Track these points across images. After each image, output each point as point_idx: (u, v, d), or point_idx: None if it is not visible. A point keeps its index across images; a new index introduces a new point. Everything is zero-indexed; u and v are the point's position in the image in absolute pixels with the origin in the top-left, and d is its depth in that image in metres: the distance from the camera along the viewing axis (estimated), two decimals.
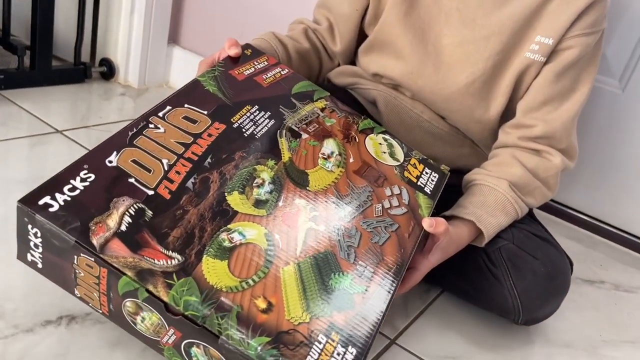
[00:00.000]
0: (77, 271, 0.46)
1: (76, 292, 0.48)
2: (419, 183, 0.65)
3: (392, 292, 0.52)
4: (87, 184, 0.46)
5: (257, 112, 0.61)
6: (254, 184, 0.53)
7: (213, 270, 0.46)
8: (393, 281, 0.52)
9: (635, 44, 0.97)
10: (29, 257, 0.48)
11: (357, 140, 0.66)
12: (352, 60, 0.86)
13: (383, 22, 0.77)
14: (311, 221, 0.53)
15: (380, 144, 0.67)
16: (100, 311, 0.49)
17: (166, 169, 0.50)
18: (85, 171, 0.47)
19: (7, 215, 0.69)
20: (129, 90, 1.23)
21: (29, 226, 0.45)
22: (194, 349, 0.46)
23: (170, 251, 0.46)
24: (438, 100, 0.77)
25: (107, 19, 1.21)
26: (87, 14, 1.17)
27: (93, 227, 0.44)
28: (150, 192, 0.48)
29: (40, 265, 0.48)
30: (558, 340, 0.73)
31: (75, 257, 0.45)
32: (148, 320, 0.46)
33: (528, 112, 0.73)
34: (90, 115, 1.06)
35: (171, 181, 0.49)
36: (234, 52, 0.67)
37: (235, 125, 0.58)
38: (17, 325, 0.55)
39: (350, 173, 0.60)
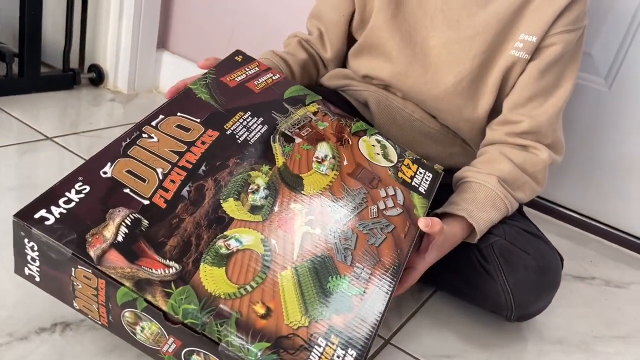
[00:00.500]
0: (75, 283, 0.46)
1: (75, 304, 0.48)
2: (413, 183, 0.66)
3: (390, 292, 0.52)
4: (82, 195, 0.46)
5: (250, 118, 0.62)
6: (249, 190, 0.54)
7: (211, 277, 0.46)
8: (391, 282, 0.53)
9: (620, 43, 0.98)
10: (27, 271, 0.48)
11: (351, 142, 0.66)
12: (343, 64, 0.87)
13: (371, 27, 0.78)
14: (307, 225, 0.53)
15: (373, 145, 0.68)
16: (100, 323, 0.49)
17: (161, 178, 0.50)
18: (80, 183, 0.47)
19: None
20: (119, 96, 1.23)
21: (26, 240, 0.45)
22: (195, 357, 0.46)
23: (167, 260, 0.46)
24: (427, 99, 0.78)
25: (96, 25, 1.21)
26: (75, 20, 1.16)
27: (89, 239, 0.45)
28: (146, 202, 0.48)
29: (38, 279, 0.48)
30: (550, 336, 0.74)
31: (73, 269, 0.45)
32: (147, 329, 0.46)
33: (514, 108, 0.74)
34: (80, 121, 1.06)
35: (166, 190, 0.50)
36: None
37: (228, 132, 0.58)
38: (12, 333, 0.55)
39: (345, 176, 0.61)
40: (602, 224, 1.07)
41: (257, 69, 0.70)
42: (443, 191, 0.72)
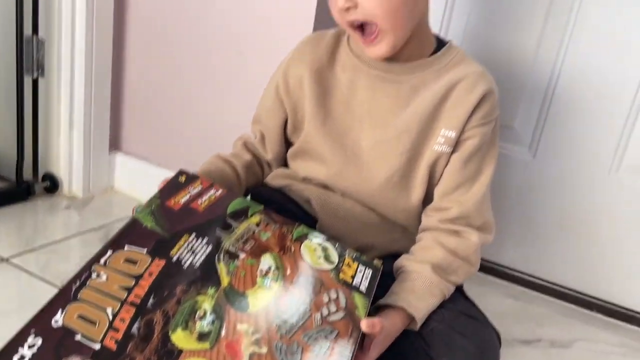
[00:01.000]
0: None
1: None
2: (354, 283, 0.70)
3: None
4: (35, 350, 0.49)
5: (195, 239, 0.65)
6: (196, 317, 0.57)
7: None
8: None
9: (537, 114, 1.08)
10: None
11: (293, 249, 0.71)
12: (285, 163, 0.93)
13: (305, 133, 0.84)
14: (254, 345, 0.57)
15: (314, 249, 0.72)
16: None
17: (111, 318, 0.53)
18: (33, 336, 0.50)
19: None
20: (74, 201, 1.26)
21: None
22: None
23: None
24: (364, 196, 0.84)
25: (47, 134, 1.25)
26: (27, 133, 1.20)
27: None
28: (97, 347, 0.51)
29: None
30: None
31: None
32: None
33: (444, 196, 0.81)
34: (37, 236, 1.08)
35: (116, 330, 0.53)
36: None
37: (174, 259, 0.62)
38: None
39: (289, 286, 0.65)
40: (544, 280, 1.14)
41: (200, 187, 0.74)
42: (387, 279, 0.77)
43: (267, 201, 0.85)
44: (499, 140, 0.82)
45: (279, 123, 0.88)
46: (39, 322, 0.51)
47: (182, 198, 0.71)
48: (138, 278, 0.58)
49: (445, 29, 1.10)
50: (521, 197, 1.12)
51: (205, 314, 0.58)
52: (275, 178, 0.91)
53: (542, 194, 1.10)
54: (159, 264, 0.61)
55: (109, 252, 0.60)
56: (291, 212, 0.85)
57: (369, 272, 0.73)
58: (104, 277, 0.57)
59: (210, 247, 0.65)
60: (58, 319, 0.52)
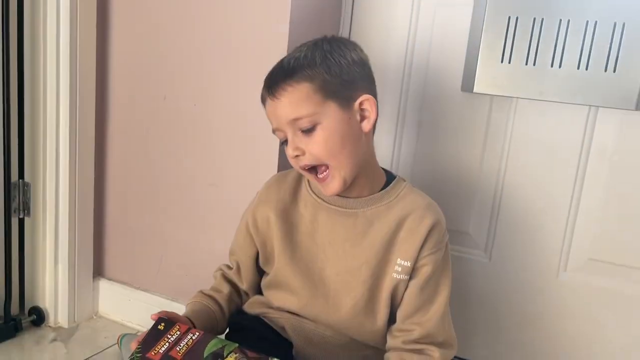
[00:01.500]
0: None
1: None
2: None
3: None
4: None
5: None
6: None
7: None
8: None
9: (489, 220, 1.18)
10: None
11: None
12: (260, 290, 1.01)
13: (276, 268, 0.93)
14: None
15: None
16: None
17: None
18: None
19: None
20: (60, 332, 1.30)
21: None
22: None
23: None
24: (333, 322, 0.91)
25: (33, 270, 1.31)
26: (14, 271, 1.26)
27: None
28: None
29: None
30: None
31: None
32: None
33: (405, 319, 0.88)
34: None
35: None
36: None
37: None
38: None
39: None
40: None
41: (178, 332, 0.80)
42: None
43: (246, 329, 0.93)
44: (450, 258, 0.91)
45: (252, 256, 0.97)
46: None
47: (162, 347, 0.77)
48: None
49: (397, 154, 1.22)
50: (483, 297, 1.20)
51: None
52: (252, 305, 0.99)
53: (501, 294, 1.18)
54: None
55: None
56: (268, 339, 0.93)
57: None
58: None
59: None
60: None
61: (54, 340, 1.26)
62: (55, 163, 1.25)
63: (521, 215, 1.15)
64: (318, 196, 0.92)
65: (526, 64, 1.02)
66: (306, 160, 0.85)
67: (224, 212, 1.21)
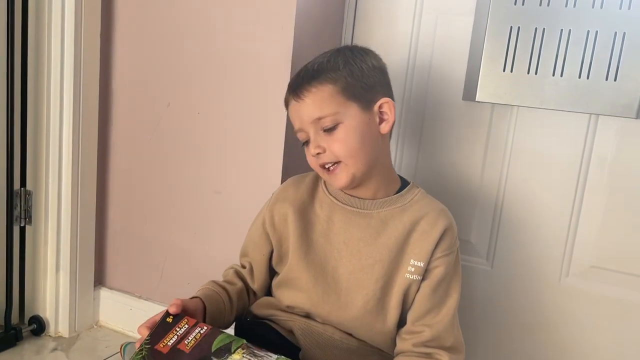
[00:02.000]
0: None
1: None
2: None
3: None
4: None
5: None
6: None
7: None
8: None
9: (490, 229, 1.19)
10: None
11: None
12: (269, 291, 1.01)
13: (289, 264, 0.94)
14: None
15: None
16: None
17: None
18: None
19: None
20: (61, 341, 1.29)
21: None
22: None
23: None
24: (343, 321, 0.91)
25: (34, 279, 1.31)
26: (15, 279, 1.25)
27: None
28: None
29: None
30: None
31: None
32: None
33: (416, 320, 0.89)
34: None
35: None
36: (173, 310, 0.82)
37: None
38: None
39: None
40: None
41: (186, 326, 0.81)
42: None
43: (253, 333, 0.93)
44: (460, 260, 0.92)
45: (266, 254, 0.98)
46: None
47: (170, 340, 0.78)
48: None
49: (399, 162, 1.23)
50: (486, 305, 1.20)
51: None
52: (260, 307, 0.99)
53: (504, 300, 1.19)
54: None
55: None
56: (275, 343, 0.92)
57: None
58: None
59: None
60: None
61: (55, 349, 1.25)
62: (57, 171, 1.25)
63: (523, 222, 1.16)
64: (334, 197, 0.94)
65: (528, 73, 1.03)
66: (326, 158, 0.88)
67: (228, 220, 1.21)
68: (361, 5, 1.22)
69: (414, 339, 0.88)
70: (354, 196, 0.93)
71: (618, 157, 1.07)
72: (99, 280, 1.39)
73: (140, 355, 0.74)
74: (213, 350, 0.78)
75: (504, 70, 1.05)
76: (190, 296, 0.92)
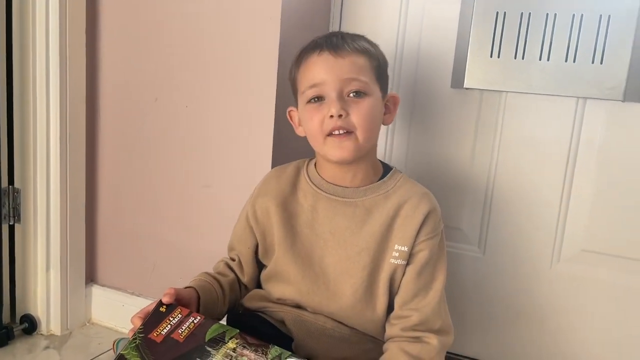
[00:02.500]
0: None
1: None
2: None
3: None
4: None
5: None
6: None
7: None
8: None
9: (481, 216, 1.19)
10: None
11: None
12: (259, 284, 1.01)
13: (275, 257, 0.93)
14: None
15: None
16: None
17: None
18: None
19: None
20: (53, 339, 1.28)
21: None
22: None
23: None
24: (334, 311, 0.91)
25: (24, 277, 1.29)
26: (5, 278, 1.24)
27: None
28: None
29: None
30: None
31: None
32: None
33: (403, 305, 0.89)
34: None
35: None
36: (167, 299, 0.82)
37: None
38: None
39: None
40: None
41: (180, 315, 0.81)
42: None
43: (245, 326, 0.92)
44: (446, 247, 0.93)
45: (251, 247, 0.98)
46: None
47: (164, 329, 0.77)
48: None
49: (390, 152, 1.23)
50: (477, 291, 1.20)
51: None
52: (251, 299, 0.99)
53: (496, 287, 1.19)
54: None
55: None
56: (268, 334, 0.92)
57: None
58: None
59: None
60: None
61: (47, 347, 1.25)
62: (45, 168, 1.24)
63: (513, 209, 1.17)
64: (318, 187, 0.94)
65: (515, 58, 1.03)
66: (343, 123, 0.87)
67: (219, 213, 1.20)
68: None
69: (402, 323, 0.88)
70: (337, 185, 0.93)
71: (606, 141, 1.08)
72: (91, 277, 1.38)
73: (134, 344, 0.73)
74: (207, 339, 0.78)
75: (491, 56, 1.05)
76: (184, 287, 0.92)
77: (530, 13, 1.01)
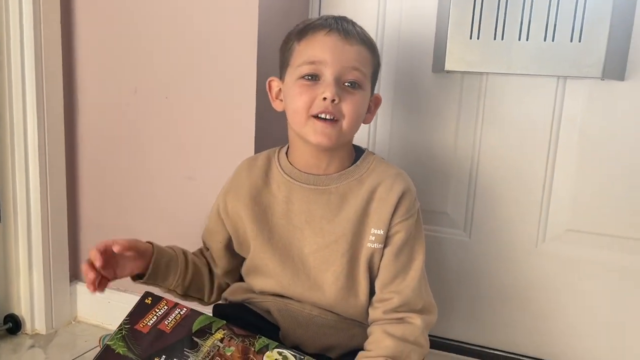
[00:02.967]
0: None
1: None
2: None
3: None
4: None
5: None
6: None
7: None
8: None
9: (466, 199, 1.19)
10: None
11: None
12: (237, 275, 1.01)
13: (252, 252, 0.92)
14: None
15: (276, 359, 0.78)
16: None
17: None
18: None
19: None
20: (38, 338, 1.26)
21: None
22: None
23: None
24: (317, 300, 0.91)
25: (7, 278, 1.27)
26: None
27: None
28: None
29: None
30: None
31: None
32: None
33: (383, 288, 0.89)
34: None
35: None
36: (117, 249, 0.83)
37: None
38: None
39: None
40: (497, 350, 1.21)
41: (166, 307, 0.80)
42: None
43: (231, 317, 0.92)
44: (423, 226, 0.93)
45: (222, 241, 0.97)
46: None
47: (150, 320, 0.77)
48: None
49: (373, 138, 1.22)
50: (464, 275, 1.21)
51: None
52: (234, 292, 0.98)
53: (483, 270, 1.19)
54: None
55: None
56: (254, 325, 0.91)
57: None
58: None
59: None
60: None
61: (32, 346, 1.23)
62: (24, 165, 1.22)
63: (498, 191, 1.17)
64: (290, 176, 0.93)
65: (494, 38, 1.03)
66: (335, 110, 0.86)
67: (202, 205, 1.18)
68: None
69: (384, 306, 0.88)
70: (310, 173, 0.92)
71: (587, 120, 1.08)
72: (75, 275, 1.36)
73: (120, 335, 0.73)
74: (194, 330, 0.78)
75: (470, 38, 1.05)
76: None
77: None
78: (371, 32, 1.17)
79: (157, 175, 1.24)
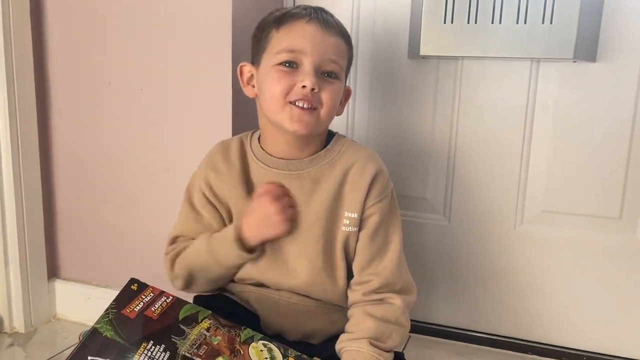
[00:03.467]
0: None
1: None
2: None
3: None
4: None
5: (153, 347, 0.70)
6: None
7: None
8: None
9: (445, 184, 1.20)
10: None
11: (242, 352, 0.76)
12: None
13: None
14: None
15: (261, 350, 0.78)
16: None
17: None
18: None
19: None
20: (17, 337, 1.24)
21: None
22: None
23: None
24: (294, 287, 0.90)
25: None
26: None
27: None
28: None
29: None
30: None
31: None
32: None
33: (361, 270, 0.89)
34: None
35: None
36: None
37: None
38: None
39: None
40: (476, 332, 1.23)
41: (152, 294, 0.80)
42: None
43: (211, 307, 0.91)
44: (399, 211, 0.93)
45: (216, 223, 0.93)
46: None
47: (137, 306, 0.76)
48: None
49: (352, 124, 1.23)
50: (444, 259, 1.22)
51: None
52: None
53: (462, 253, 1.21)
54: None
55: None
56: (235, 314, 0.91)
57: None
58: None
59: (167, 354, 0.70)
60: None
61: (11, 345, 1.20)
62: None
63: (475, 174, 1.18)
64: (263, 163, 0.92)
65: (468, 22, 1.04)
66: (313, 99, 0.86)
67: (179, 196, 1.18)
68: None
69: (363, 288, 0.88)
70: (281, 158, 0.91)
71: (560, 101, 1.10)
72: (53, 272, 1.34)
73: (107, 319, 0.72)
74: (180, 319, 0.77)
75: (444, 22, 1.05)
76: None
77: None
78: (346, 19, 1.18)
79: (134, 167, 1.22)
